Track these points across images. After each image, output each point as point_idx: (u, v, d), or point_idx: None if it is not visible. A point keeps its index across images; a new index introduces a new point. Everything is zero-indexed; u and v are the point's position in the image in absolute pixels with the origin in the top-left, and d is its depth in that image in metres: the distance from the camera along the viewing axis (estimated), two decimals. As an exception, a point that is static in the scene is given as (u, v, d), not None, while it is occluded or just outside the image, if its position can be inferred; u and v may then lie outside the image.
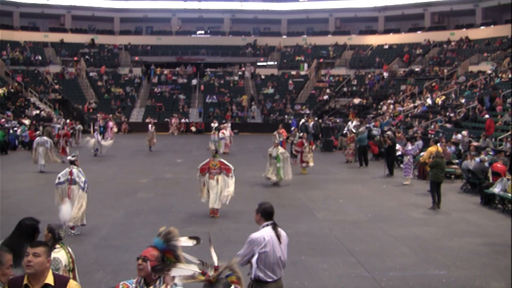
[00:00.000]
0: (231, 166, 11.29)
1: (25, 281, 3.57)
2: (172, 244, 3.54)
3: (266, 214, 5.03)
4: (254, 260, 4.86)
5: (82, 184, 9.57)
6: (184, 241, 3.61)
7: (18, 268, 4.26)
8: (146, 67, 42.96)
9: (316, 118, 30.51)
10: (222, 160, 11.42)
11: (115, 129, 31.02)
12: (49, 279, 3.60)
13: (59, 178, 9.70)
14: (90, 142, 22.18)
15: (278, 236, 4.98)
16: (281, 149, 15.51)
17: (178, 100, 39.19)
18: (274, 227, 5.00)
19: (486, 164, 14.98)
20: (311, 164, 18.04)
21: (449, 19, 43.41)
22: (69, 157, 10.22)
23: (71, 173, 9.61)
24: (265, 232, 4.93)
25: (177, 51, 44.18)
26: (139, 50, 44.55)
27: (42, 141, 17.63)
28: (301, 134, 20.27)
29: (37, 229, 4.51)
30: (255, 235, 4.92)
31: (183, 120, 36.30)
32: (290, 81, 41.29)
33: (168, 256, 3.51)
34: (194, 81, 41.40)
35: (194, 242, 3.65)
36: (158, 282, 3.41)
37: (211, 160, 11.36)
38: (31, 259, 3.54)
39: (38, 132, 20.00)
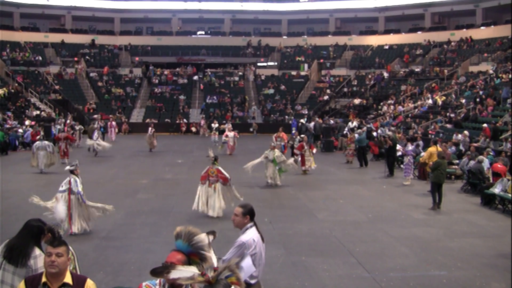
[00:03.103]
0: (227, 175, 11.23)
1: (44, 279, 3.59)
2: (198, 246, 3.44)
3: (252, 215, 4.95)
4: (244, 263, 4.75)
5: (77, 195, 9.52)
6: (205, 238, 3.54)
7: (23, 268, 4.27)
8: (147, 67, 43.01)
9: (317, 119, 30.53)
10: (219, 168, 11.37)
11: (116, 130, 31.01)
12: (68, 278, 3.63)
13: (62, 186, 9.73)
14: (88, 142, 22.27)
15: (262, 236, 4.97)
16: (277, 152, 15.49)
17: (178, 101, 39.20)
18: (257, 227, 4.96)
19: (486, 164, 14.98)
20: (314, 166, 18.00)
21: (449, 20, 43.42)
22: (67, 167, 10.16)
23: (69, 182, 9.60)
24: (253, 234, 4.86)
25: (178, 52, 44.21)
26: (140, 51, 44.57)
27: (43, 145, 17.51)
28: (302, 136, 20.28)
29: (43, 231, 4.55)
30: (245, 238, 4.80)
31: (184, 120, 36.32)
32: (283, 86, 41.26)
33: (193, 259, 3.42)
34: (195, 77, 41.54)
35: (212, 237, 3.60)
36: (184, 286, 3.33)
37: (210, 168, 11.35)
38: (55, 259, 3.56)
39: (38, 137, 19.93)
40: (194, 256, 3.43)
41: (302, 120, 30.88)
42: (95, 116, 32.57)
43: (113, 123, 29.23)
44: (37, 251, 4.39)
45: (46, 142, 18.05)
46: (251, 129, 33.84)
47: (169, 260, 3.35)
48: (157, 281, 3.47)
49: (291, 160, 16.06)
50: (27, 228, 4.51)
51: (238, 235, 5.04)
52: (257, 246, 4.83)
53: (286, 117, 36.32)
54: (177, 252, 3.41)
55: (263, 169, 15.75)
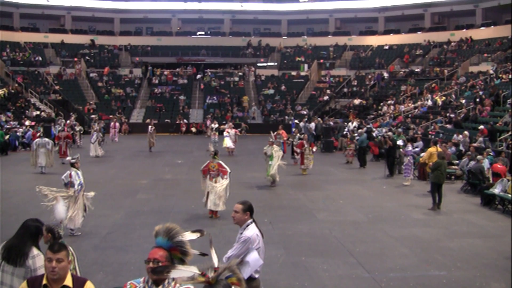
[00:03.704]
0: (228, 169, 11.28)
1: (44, 281, 3.60)
2: (178, 241, 3.49)
3: (252, 211, 5.10)
4: (251, 258, 4.82)
5: (76, 187, 9.58)
6: (188, 236, 3.59)
7: (22, 268, 4.27)
8: (146, 68, 42.94)
9: (318, 119, 30.55)
10: (220, 162, 11.42)
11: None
12: (68, 281, 3.64)
13: (63, 180, 9.83)
14: (91, 151, 22.11)
15: (261, 232, 5.13)
16: (275, 148, 15.52)
17: (178, 101, 39.21)
18: (256, 223, 5.10)
19: (486, 164, 14.98)
20: (311, 166, 18.00)
21: (449, 20, 43.42)
22: (68, 158, 10.24)
23: (70, 175, 9.65)
24: (255, 229, 5.01)
25: (177, 52, 44.20)
26: (139, 51, 44.56)
27: (43, 143, 17.58)
28: (302, 135, 20.26)
29: (40, 230, 4.57)
30: (249, 234, 4.94)
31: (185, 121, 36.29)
32: (283, 87, 41.25)
33: (174, 253, 3.48)
34: (199, 76, 41.78)
35: (198, 235, 3.64)
36: (167, 281, 3.38)
37: (211, 162, 11.39)
38: (56, 266, 3.57)
39: (39, 134, 19.97)
40: (175, 250, 3.49)
41: (296, 121, 30.97)
42: (92, 116, 32.54)
43: (117, 124, 29.26)
44: (35, 250, 4.39)
45: (46, 139, 18.09)
46: (239, 129, 33.69)
47: (152, 257, 3.40)
48: (142, 279, 3.51)
49: (281, 162, 15.78)
50: (24, 228, 4.51)
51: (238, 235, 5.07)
52: (260, 241, 4.99)
53: (286, 117, 36.28)
54: (158, 248, 3.46)
55: (264, 169, 15.74)
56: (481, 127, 20.52)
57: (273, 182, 15.26)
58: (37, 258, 4.34)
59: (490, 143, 19.02)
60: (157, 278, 3.36)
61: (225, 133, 23.91)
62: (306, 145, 18.05)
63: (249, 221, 5.03)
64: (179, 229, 3.54)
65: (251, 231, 4.96)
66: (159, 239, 3.48)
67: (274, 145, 15.67)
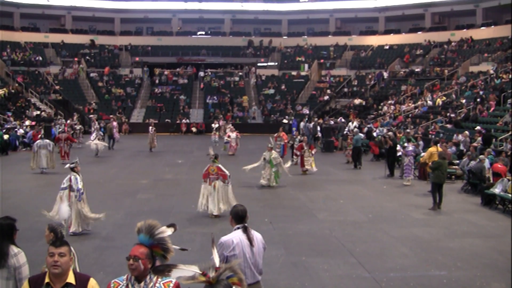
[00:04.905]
0: (227, 172, 11.27)
1: (47, 279, 3.59)
2: (159, 238, 3.54)
3: (237, 217, 4.98)
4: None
5: (76, 193, 9.58)
6: (167, 231, 3.65)
7: (5, 268, 4.21)
8: (150, 72, 42.78)
9: (316, 119, 30.53)
10: (219, 165, 11.40)
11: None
12: (71, 278, 3.65)
13: (63, 183, 9.79)
14: (92, 145, 22.15)
15: (250, 239, 4.88)
16: (274, 154, 15.48)
17: (178, 101, 39.22)
18: (245, 230, 4.93)
19: (487, 164, 14.98)
20: (314, 169, 17.92)
21: (450, 20, 43.42)
22: (68, 165, 10.22)
23: (70, 179, 9.65)
24: (235, 235, 4.86)
25: (178, 52, 44.18)
26: (140, 51, 44.56)
27: (45, 144, 17.53)
28: (302, 137, 20.24)
29: (14, 227, 4.46)
30: (224, 238, 4.85)
31: (184, 121, 36.28)
32: (283, 87, 41.22)
33: (156, 250, 3.54)
34: (201, 73, 41.76)
35: (172, 229, 3.70)
36: (148, 277, 3.46)
37: (211, 165, 11.38)
38: (58, 260, 3.57)
39: (40, 135, 19.92)
40: (156, 248, 3.55)
41: (285, 120, 30.88)
42: (91, 116, 32.56)
43: (114, 123, 29.22)
44: (14, 248, 4.31)
45: (47, 140, 18.06)
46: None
47: (132, 254, 3.45)
48: (124, 277, 3.59)
49: (288, 164, 15.95)
50: None
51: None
52: (236, 248, 4.79)
53: (286, 117, 36.27)
54: (140, 245, 3.51)
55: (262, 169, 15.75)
56: (478, 127, 20.56)
57: (269, 185, 15.24)
58: (19, 256, 4.28)
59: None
60: (137, 274, 3.44)
61: (225, 138, 23.79)
62: (305, 147, 18.03)
63: (237, 226, 4.95)
64: (160, 226, 3.59)
65: (229, 236, 4.87)
66: (141, 236, 3.54)
67: (273, 151, 15.65)
